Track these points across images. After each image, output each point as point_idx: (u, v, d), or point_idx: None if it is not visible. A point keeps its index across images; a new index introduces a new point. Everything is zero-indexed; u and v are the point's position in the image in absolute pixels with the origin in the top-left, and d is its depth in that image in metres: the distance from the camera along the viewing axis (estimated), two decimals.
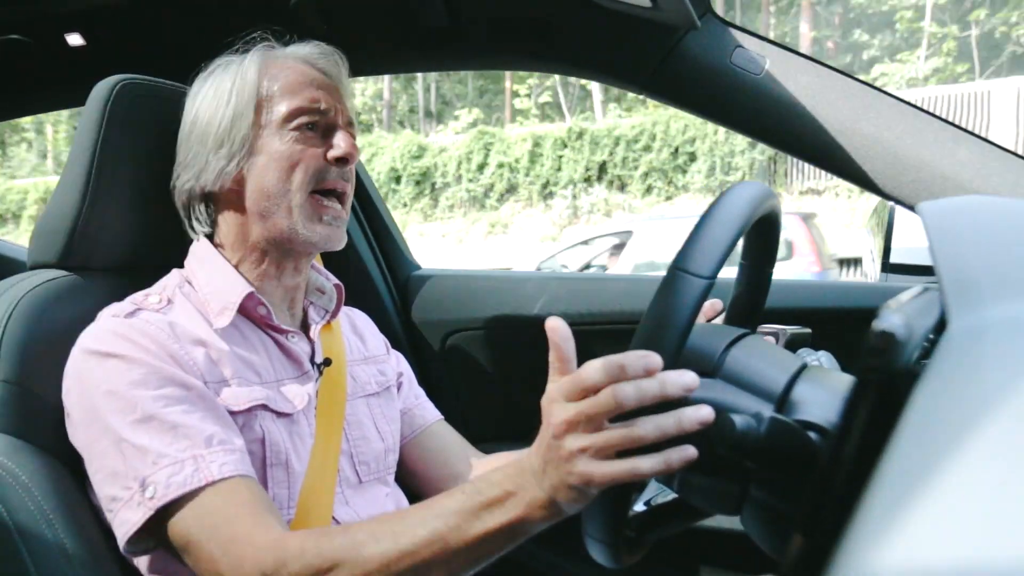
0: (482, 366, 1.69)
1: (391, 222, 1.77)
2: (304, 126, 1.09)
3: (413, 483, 1.27)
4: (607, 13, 1.22)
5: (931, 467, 0.33)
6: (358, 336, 1.29)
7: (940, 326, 0.53)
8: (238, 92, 1.09)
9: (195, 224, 1.13)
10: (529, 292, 1.65)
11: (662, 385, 0.71)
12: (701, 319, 1.12)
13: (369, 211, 1.73)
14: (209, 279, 1.08)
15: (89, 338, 0.98)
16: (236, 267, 1.10)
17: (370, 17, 1.41)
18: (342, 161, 1.09)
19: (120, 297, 1.06)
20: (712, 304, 1.13)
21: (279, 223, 1.08)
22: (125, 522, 0.91)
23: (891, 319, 0.50)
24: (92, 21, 1.45)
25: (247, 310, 1.08)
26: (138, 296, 1.05)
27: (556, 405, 0.76)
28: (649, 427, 0.72)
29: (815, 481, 0.64)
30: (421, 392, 1.35)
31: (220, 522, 0.89)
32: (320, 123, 1.10)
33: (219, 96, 1.10)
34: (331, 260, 1.43)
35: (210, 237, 1.13)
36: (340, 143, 1.10)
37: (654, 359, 0.71)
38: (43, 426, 0.99)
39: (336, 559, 0.84)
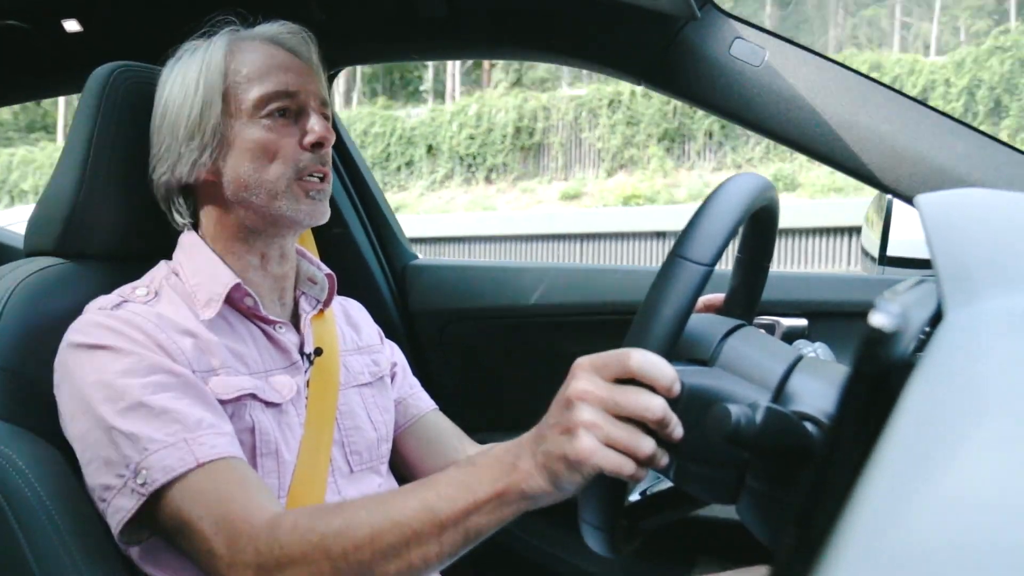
0: (479, 356, 1.69)
1: (388, 211, 1.77)
2: (276, 112, 1.07)
3: (408, 473, 1.27)
4: (606, 3, 1.22)
5: (926, 458, 0.33)
6: (352, 326, 1.29)
7: (936, 318, 0.53)
8: (205, 80, 1.07)
9: (176, 216, 1.13)
10: (527, 282, 1.65)
11: (674, 430, 0.73)
12: (702, 312, 1.12)
13: (366, 200, 1.73)
14: (196, 270, 1.08)
15: (76, 332, 0.98)
16: (222, 258, 1.09)
17: (369, 6, 1.41)
18: (318, 146, 1.08)
19: (117, 284, 1.06)
20: (713, 298, 1.13)
21: (262, 209, 1.07)
22: (119, 510, 0.91)
23: (887, 310, 0.50)
24: (90, 7, 1.45)
25: (234, 301, 1.08)
26: (125, 288, 1.05)
27: (585, 373, 0.74)
28: (649, 448, 0.72)
29: (810, 471, 0.64)
30: (416, 382, 1.35)
31: (213, 502, 0.89)
32: (292, 107, 1.08)
33: (187, 84, 1.08)
34: (327, 249, 1.43)
35: (196, 228, 1.13)
36: (315, 127, 1.08)
37: (678, 388, 0.73)
38: (39, 412, 0.99)
39: (328, 532, 0.83)
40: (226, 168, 1.07)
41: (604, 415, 0.72)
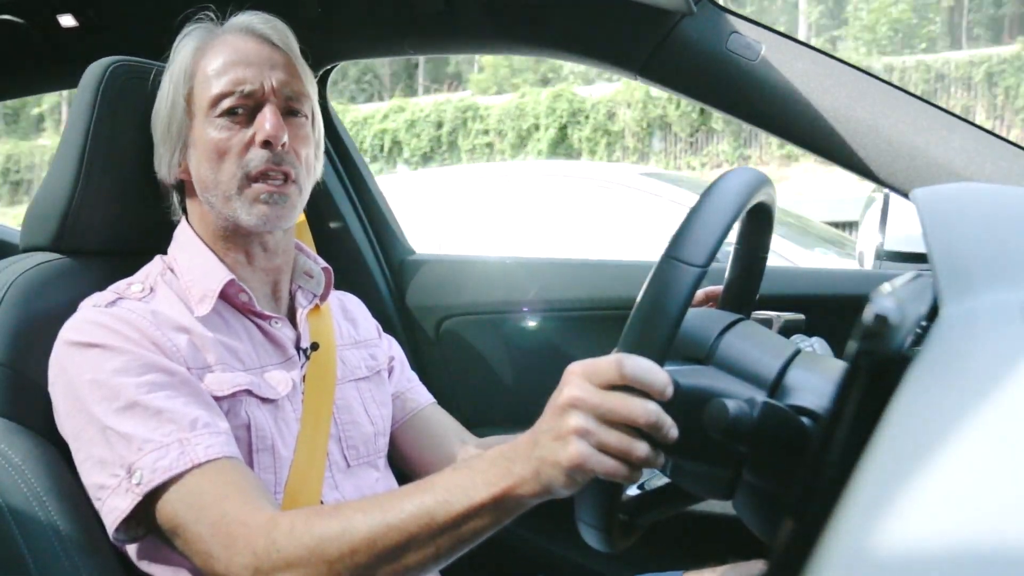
0: (476, 351, 1.69)
1: (385, 205, 1.77)
2: (229, 111, 1.05)
3: (406, 467, 1.27)
4: None
5: (920, 451, 0.33)
6: (349, 320, 1.29)
7: (933, 312, 0.53)
8: (174, 79, 1.08)
9: (171, 210, 1.14)
10: (524, 277, 1.65)
11: (668, 432, 0.72)
12: (702, 302, 1.12)
13: (363, 194, 1.73)
14: (190, 266, 1.08)
15: (70, 330, 0.98)
16: (215, 253, 1.09)
17: (364, 1, 1.41)
18: (268, 143, 1.04)
19: (113, 280, 1.06)
20: (712, 290, 1.13)
21: (222, 212, 1.06)
22: (113, 509, 0.91)
23: (883, 304, 0.50)
24: (85, 1, 1.44)
25: (228, 297, 1.07)
26: (120, 285, 1.05)
27: (577, 379, 0.74)
28: (642, 452, 0.72)
29: (807, 466, 0.64)
30: (413, 376, 1.35)
31: (208, 504, 0.89)
32: (247, 104, 1.05)
33: (165, 83, 1.10)
34: (324, 244, 1.43)
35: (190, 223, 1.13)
36: (265, 124, 1.03)
37: (670, 392, 0.72)
38: (36, 408, 0.99)
39: (325, 535, 0.83)
40: (192, 169, 1.08)
41: (596, 421, 0.72)
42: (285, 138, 1.04)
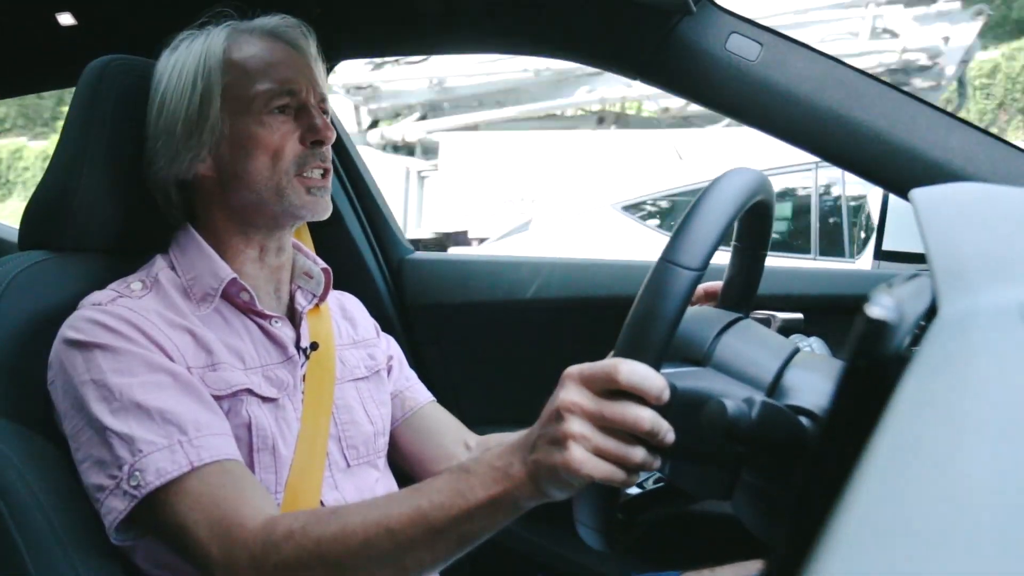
0: (475, 350, 1.69)
1: (384, 204, 1.77)
2: (277, 108, 1.07)
3: (406, 465, 1.27)
4: None
5: (919, 451, 0.33)
6: (348, 320, 1.29)
7: (931, 312, 0.53)
8: (205, 73, 1.06)
9: (173, 211, 1.13)
10: (523, 276, 1.65)
11: (665, 437, 0.73)
12: (701, 298, 1.12)
13: (362, 193, 1.73)
14: (191, 265, 1.08)
15: (70, 328, 0.97)
16: (218, 252, 1.09)
17: (364, 0, 1.41)
18: (319, 143, 1.08)
19: (113, 278, 1.05)
20: (711, 286, 1.12)
21: (263, 205, 1.07)
22: (112, 510, 0.91)
23: (882, 304, 0.50)
24: (84, 0, 1.44)
25: (230, 296, 1.08)
26: (120, 283, 1.04)
27: (573, 383, 0.74)
28: (639, 456, 0.72)
29: (805, 466, 0.64)
30: (413, 375, 1.35)
31: (208, 506, 0.89)
32: (292, 104, 1.08)
33: (184, 77, 1.07)
34: (323, 243, 1.43)
35: (193, 222, 1.12)
36: (317, 124, 1.08)
37: (667, 396, 0.72)
38: (35, 408, 0.99)
39: (323, 538, 0.83)
40: (225, 164, 1.07)
41: (592, 427, 0.72)
42: (333, 136, 1.10)
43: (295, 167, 1.07)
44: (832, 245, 4.68)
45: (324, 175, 1.10)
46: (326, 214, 1.12)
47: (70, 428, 0.95)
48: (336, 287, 1.25)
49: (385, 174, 8.38)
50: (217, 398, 0.99)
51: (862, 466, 0.35)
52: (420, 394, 1.32)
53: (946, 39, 8.99)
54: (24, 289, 1.03)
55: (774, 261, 1.14)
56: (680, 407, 0.75)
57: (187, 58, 1.08)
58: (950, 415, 0.36)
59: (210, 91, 1.06)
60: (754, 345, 0.83)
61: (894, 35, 9.11)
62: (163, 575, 0.97)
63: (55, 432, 0.98)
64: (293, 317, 1.16)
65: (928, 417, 0.37)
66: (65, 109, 1.15)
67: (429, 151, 10.10)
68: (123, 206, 1.15)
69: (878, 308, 0.50)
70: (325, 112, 1.12)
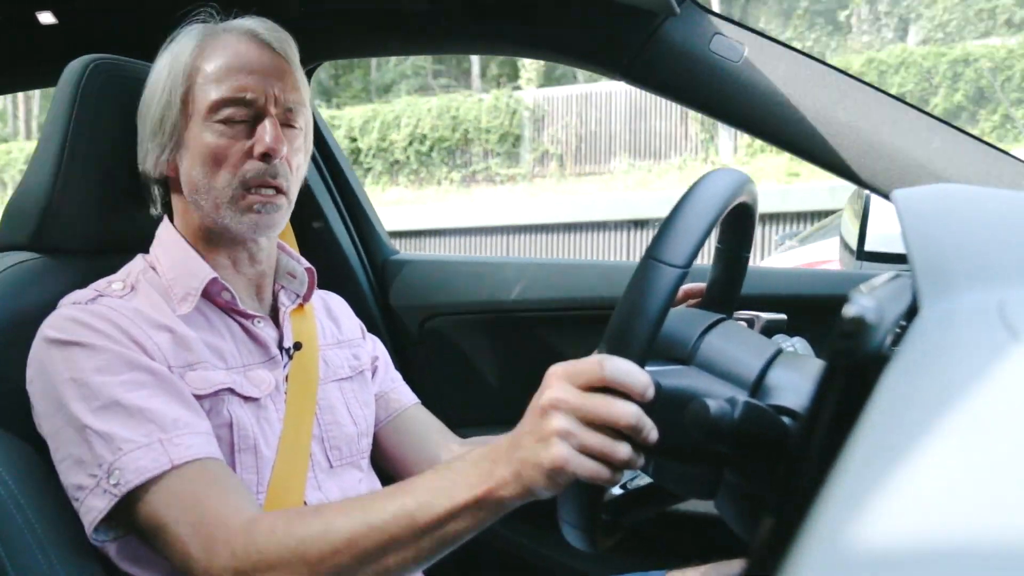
0: (460, 351, 1.69)
1: (368, 205, 1.77)
2: (229, 119, 1.03)
3: (389, 467, 1.26)
4: None
5: (898, 450, 0.33)
6: (332, 320, 1.28)
7: (911, 312, 0.53)
8: (170, 77, 1.06)
9: (151, 205, 1.13)
10: (507, 277, 1.65)
11: (649, 434, 0.72)
12: (683, 301, 1.13)
13: (345, 194, 1.72)
14: (172, 264, 1.07)
15: (50, 327, 0.96)
16: (198, 251, 1.08)
17: (349, 0, 1.40)
18: (267, 156, 1.03)
19: (93, 279, 1.05)
20: (693, 287, 1.13)
21: (210, 215, 1.06)
22: (91, 509, 0.90)
23: (862, 303, 0.50)
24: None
25: (211, 295, 1.07)
26: (101, 283, 1.04)
27: (558, 381, 0.74)
28: (624, 453, 0.72)
29: (787, 465, 0.64)
30: (397, 376, 1.34)
31: (188, 505, 0.88)
32: (248, 114, 1.04)
33: (158, 78, 1.07)
34: (307, 243, 1.42)
35: (172, 219, 1.12)
36: (264, 137, 1.03)
37: (651, 393, 0.72)
38: (13, 409, 0.98)
39: (306, 536, 0.83)
40: (182, 168, 1.07)
41: (578, 423, 0.72)
42: (284, 151, 1.04)
43: (239, 180, 1.03)
44: None
45: (276, 193, 1.05)
46: (273, 232, 1.08)
47: (49, 428, 0.94)
48: (320, 287, 1.24)
49: None
50: (198, 397, 0.98)
51: (841, 464, 0.35)
52: (405, 396, 1.31)
53: None
54: (3, 290, 1.03)
55: (757, 262, 1.14)
56: (664, 405, 0.75)
57: (164, 57, 1.09)
58: (929, 414, 0.36)
59: (173, 94, 1.05)
60: (737, 345, 0.84)
61: None
62: (140, 572, 0.97)
63: (33, 433, 0.97)
64: (276, 317, 1.15)
65: (908, 416, 0.37)
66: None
67: None
68: (104, 207, 1.14)
69: (858, 308, 0.50)
70: (291, 124, 1.08)
